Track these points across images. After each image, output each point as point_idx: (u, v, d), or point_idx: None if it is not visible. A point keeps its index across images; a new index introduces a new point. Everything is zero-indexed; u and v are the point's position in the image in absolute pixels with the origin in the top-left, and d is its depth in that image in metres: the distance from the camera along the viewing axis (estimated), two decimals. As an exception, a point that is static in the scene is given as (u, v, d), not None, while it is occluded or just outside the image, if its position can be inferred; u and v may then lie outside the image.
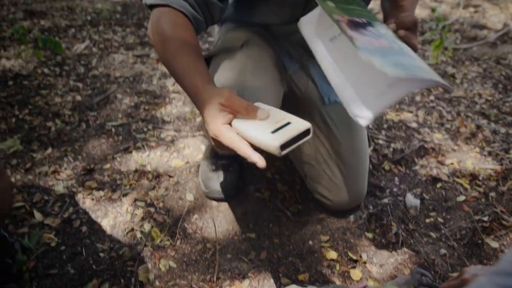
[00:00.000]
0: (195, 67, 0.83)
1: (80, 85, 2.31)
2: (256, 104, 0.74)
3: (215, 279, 1.21)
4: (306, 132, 0.68)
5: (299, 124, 0.68)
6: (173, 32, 0.88)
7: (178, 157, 1.74)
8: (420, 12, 3.73)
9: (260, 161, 0.65)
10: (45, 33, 3.02)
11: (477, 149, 1.83)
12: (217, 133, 0.70)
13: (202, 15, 0.98)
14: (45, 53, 2.66)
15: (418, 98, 2.27)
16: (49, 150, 1.76)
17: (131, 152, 1.76)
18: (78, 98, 2.17)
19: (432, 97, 2.29)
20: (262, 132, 0.67)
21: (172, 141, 1.84)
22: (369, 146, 1.78)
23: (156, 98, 2.20)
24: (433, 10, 3.19)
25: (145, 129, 1.93)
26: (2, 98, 2.15)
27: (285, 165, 1.68)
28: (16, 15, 3.40)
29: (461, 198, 1.54)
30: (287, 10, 1.09)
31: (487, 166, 1.72)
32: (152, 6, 0.94)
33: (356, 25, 0.84)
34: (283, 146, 0.65)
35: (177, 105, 2.14)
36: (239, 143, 0.67)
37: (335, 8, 0.85)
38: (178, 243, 1.34)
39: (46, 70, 2.46)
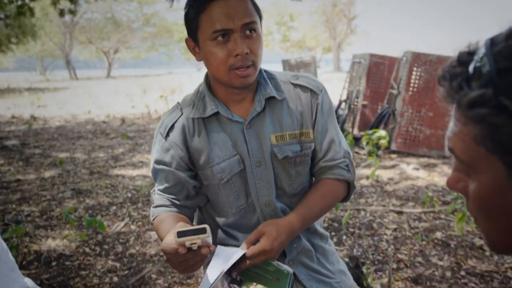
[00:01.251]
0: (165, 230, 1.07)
1: (118, 265, 2.43)
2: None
3: None
4: (202, 230, 0.88)
5: (200, 225, 0.91)
6: (161, 218, 1.17)
7: None
8: (440, 181, 3.91)
9: (180, 249, 0.88)
10: (89, 211, 3.28)
11: (519, 334, 1.75)
12: (162, 247, 0.93)
13: (183, 198, 1.20)
14: (87, 231, 2.86)
15: (448, 273, 2.26)
16: (84, 338, 1.79)
17: None
18: (115, 279, 2.27)
19: (463, 272, 2.28)
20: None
21: (204, 326, 1.85)
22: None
23: (189, 278, 2.27)
24: (451, 180, 3.35)
25: (178, 313, 1.96)
26: (45, 280, 2.27)
27: None
28: (65, 194, 3.75)
29: None
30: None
31: None
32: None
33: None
34: (180, 233, 0.87)
35: (209, 285, 2.19)
36: (169, 243, 0.90)
37: None
38: None
39: (87, 249, 2.62)
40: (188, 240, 0.87)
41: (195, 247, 0.88)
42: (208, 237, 0.89)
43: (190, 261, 0.91)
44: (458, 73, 0.49)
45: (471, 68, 0.47)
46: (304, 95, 1.19)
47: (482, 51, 0.47)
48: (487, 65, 0.45)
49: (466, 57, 0.49)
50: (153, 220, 1.20)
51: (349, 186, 1.24)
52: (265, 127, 1.16)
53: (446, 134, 0.53)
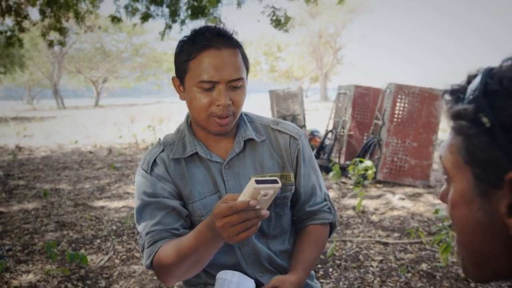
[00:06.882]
0: (188, 236, 1.02)
1: (100, 301, 2.38)
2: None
3: None
4: (275, 181, 0.88)
5: (272, 177, 0.94)
6: (167, 245, 1.07)
7: None
8: (425, 211, 3.94)
9: (252, 201, 0.85)
10: (72, 245, 3.23)
11: None
12: (216, 211, 0.88)
13: (181, 227, 1.13)
14: (70, 266, 2.80)
15: (434, 306, 2.26)
16: None
17: None
18: (97, 316, 2.22)
19: (448, 305, 2.27)
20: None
21: None
22: None
23: (173, 314, 2.23)
24: (436, 211, 3.38)
25: None
26: (24, 318, 2.20)
27: None
28: (48, 226, 3.68)
29: None
30: None
31: None
32: (151, 265, 1.10)
33: None
34: (257, 181, 0.85)
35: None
36: (226, 205, 0.86)
37: None
38: None
39: (69, 285, 2.56)
40: (264, 189, 0.84)
41: (265, 199, 0.87)
42: (278, 190, 0.88)
43: (249, 223, 0.87)
44: (458, 89, 0.53)
45: (469, 87, 0.51)
46: (283, 138, 1.24)
47: (480, 74, 0.51)
48: (479, 85, 0.49)
49: (472, 77, 0.53)
50: (151, 260, 1.08)
51: (331, 225, 1.30)
52: (245, 169, 1.19)
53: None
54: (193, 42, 1.07)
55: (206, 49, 1.05)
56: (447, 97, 0.54)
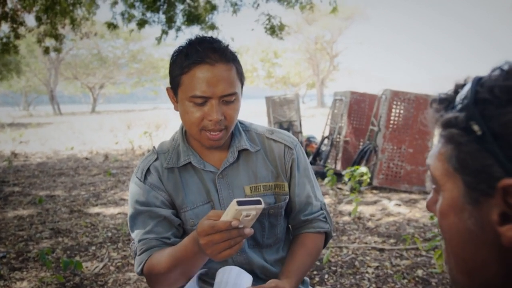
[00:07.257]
0: (177, 247, 1.03)
1: (95, 308, 2.36)
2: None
3: None
4: (258, 201, 0.88)
5: (255, 198, 0.92)
6: (157, 254, 1.09)
7: None
8: (421, 217, 3.95)
9: (234, 222, 0.85)
10: (67, 252, 3.21)
11: None
12: (199, 229, 0.88)
13: (173, 236, 1.14)
14: (65, 273, 2.79)
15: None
16: None
17: None
18: (91, 324, 2.20)
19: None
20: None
21: None
22: None
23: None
24: (432, 217, 3.39)
25: None
26: (17, 326, 2.18)
27: None
28: (43, 233, 3.66)
29: None
30: None
31: None
32: (142, 272, 1.12)
33: None
34: (239, 202, 0.86)
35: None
36: (210, 223, 0.87)
37: None
38: None
39: (63, 293, 2.55)
40: (245, 210, 0.85)
41: (248, 219, 0.87)
42: (261, 211, 0.89)
43: (232, 242, 0.88)
44: (446, 98, 0.54)
45: (458, 96, 0.51)
46: (277, 148, 1.23)
47: (470, 83, 0.51)
48: (469, 94, 0.50)
49: (459, 87, 0.54)
50: (141, 268, 1.10)
51: (326, 235, 1.29)
52: (239, 178, 1.19)
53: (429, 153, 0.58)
54: (186, 56, 1.06)
55: (199, 64, 1.04)
56: (435, 105, 0.55)
